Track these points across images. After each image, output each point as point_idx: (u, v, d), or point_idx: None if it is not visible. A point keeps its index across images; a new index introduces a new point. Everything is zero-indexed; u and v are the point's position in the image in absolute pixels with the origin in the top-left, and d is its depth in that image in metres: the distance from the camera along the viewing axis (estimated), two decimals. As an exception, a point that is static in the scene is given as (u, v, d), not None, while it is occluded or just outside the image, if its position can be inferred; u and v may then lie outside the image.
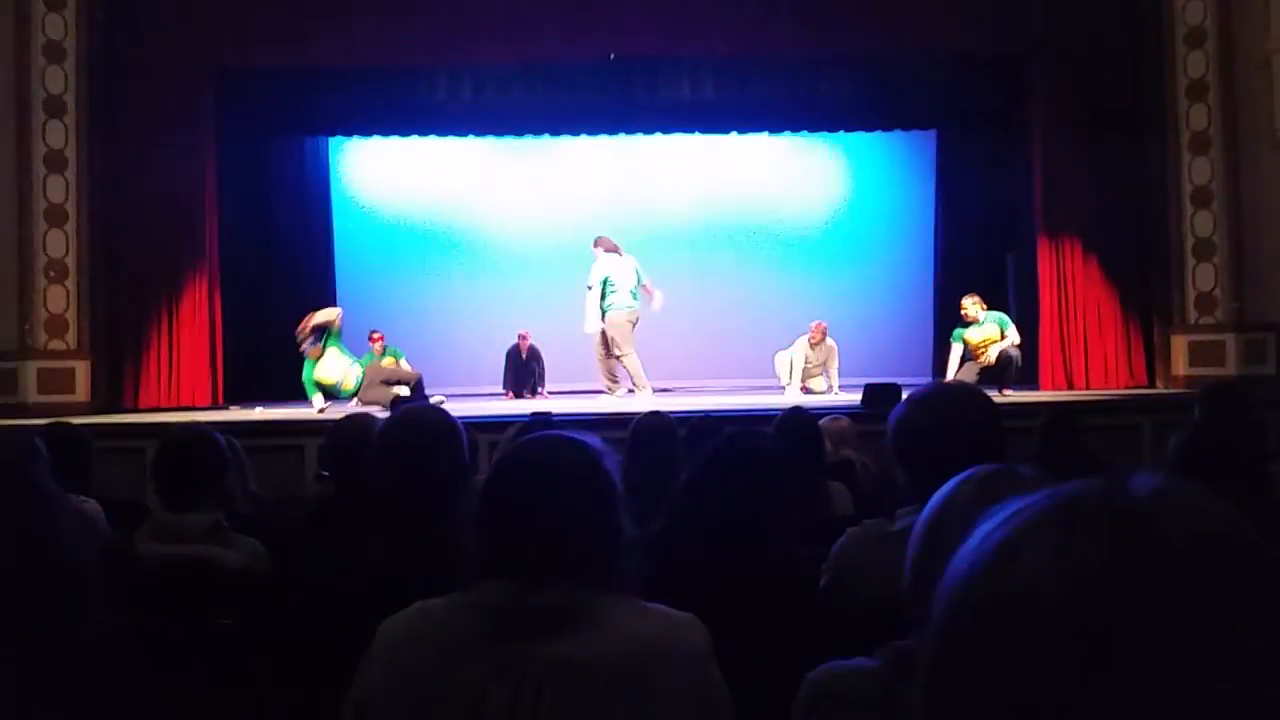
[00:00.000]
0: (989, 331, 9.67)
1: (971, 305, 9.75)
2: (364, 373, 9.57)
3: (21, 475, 0.97)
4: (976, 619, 0.59)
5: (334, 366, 9.40)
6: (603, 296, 9.62)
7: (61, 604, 0.91)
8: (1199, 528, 0.58)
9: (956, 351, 9.77)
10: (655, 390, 9.83)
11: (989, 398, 2.35)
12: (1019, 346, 9.63)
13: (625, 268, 9.73)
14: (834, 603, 2.36)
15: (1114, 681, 0.55)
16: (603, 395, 9.73)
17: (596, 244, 9.84)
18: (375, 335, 10.22)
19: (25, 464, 1.00)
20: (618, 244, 9.83)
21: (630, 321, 9.65)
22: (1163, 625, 0.55)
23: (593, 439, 1.80)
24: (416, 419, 2.77)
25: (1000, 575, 0.59)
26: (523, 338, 11.18)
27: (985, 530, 0.63)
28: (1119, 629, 0.55)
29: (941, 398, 2.24)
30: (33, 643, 0.89)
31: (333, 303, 12.12)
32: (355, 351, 9.80)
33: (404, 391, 9.53)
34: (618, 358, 9.63)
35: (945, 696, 0.61)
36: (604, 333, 9.62)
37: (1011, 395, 9.00)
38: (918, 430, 2.14)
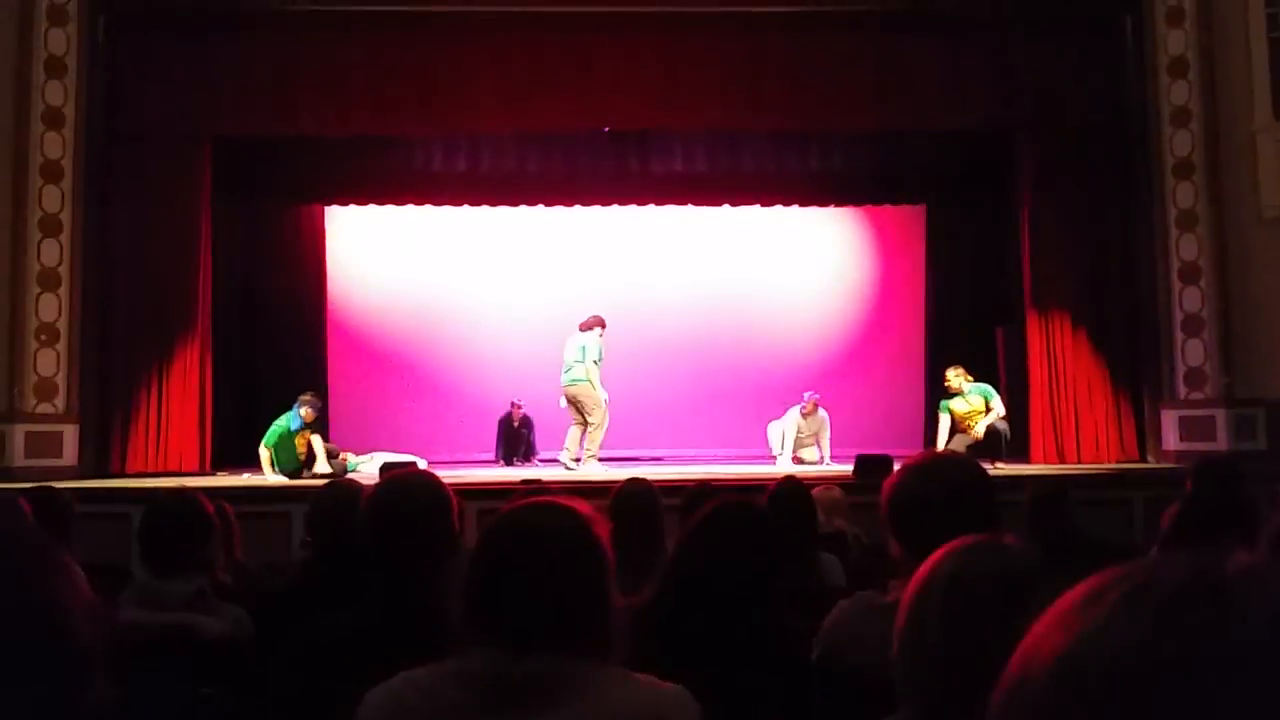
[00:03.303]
0: (974, 403, 9.69)
1: (955, 377, 9.78)
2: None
3: (41, 546, 0.97)
4: (1046, 679, 0.58)
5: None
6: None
7: (71, 674, 0.91)
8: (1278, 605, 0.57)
9: (945, 422, 9.78)
10: (648, 459, 9.80)
11: (982, 467, 2.34)
12: (1004, 418, 9.64)
13: (571, 345, 9.89)
14: (826, 675, 2.33)
15: None
16: (595, 464, 9.67)
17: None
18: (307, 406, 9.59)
19: (40, 534, 1.00)
20: (584, 322, 9.99)
21: (564, 395, 9.83)
22: (1234, 696, 0.54)
23: (583, 505, 1.78)
24: (407, 485, 2.75)
25: (1077, 636, 0.58)
26: (516, 406, 11.17)
27: (1068, 597, 0.62)
28: (1189, 697, 0.54)
29: (935, 466, 2.24)
30: (42, 711, 0.89)
31: (323, 371, 12.11)
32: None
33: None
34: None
35: None
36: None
37: (1004, 468, 8.98)
38: (911, 498, 2.13)
